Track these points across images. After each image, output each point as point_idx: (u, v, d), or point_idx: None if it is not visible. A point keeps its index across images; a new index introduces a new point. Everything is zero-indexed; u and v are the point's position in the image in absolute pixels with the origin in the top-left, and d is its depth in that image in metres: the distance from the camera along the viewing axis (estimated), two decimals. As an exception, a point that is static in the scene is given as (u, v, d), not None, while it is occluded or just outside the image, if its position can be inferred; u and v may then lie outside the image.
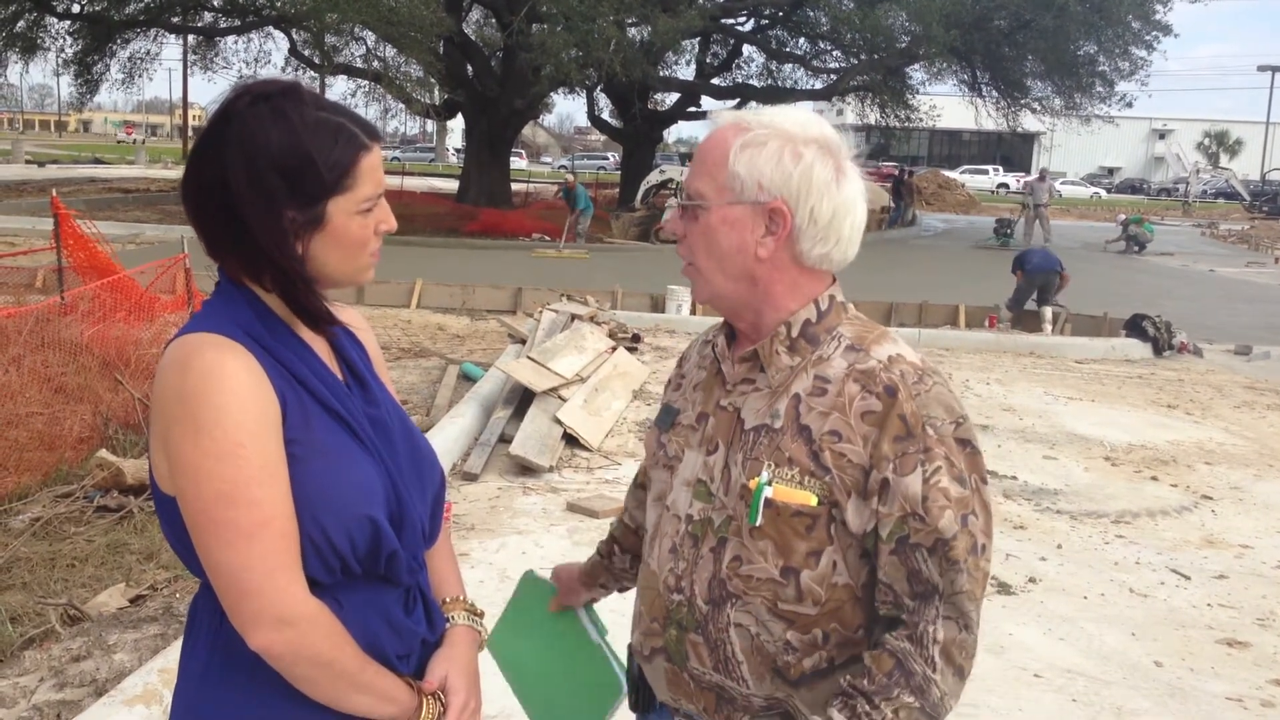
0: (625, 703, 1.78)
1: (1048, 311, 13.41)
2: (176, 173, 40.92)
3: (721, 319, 1.66)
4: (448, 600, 1.63)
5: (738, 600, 1.49)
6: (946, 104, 32.42)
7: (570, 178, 24.62)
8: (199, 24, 28.90)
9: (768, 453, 1.47)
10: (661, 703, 1.65)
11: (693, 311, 12.99)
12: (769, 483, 1.45)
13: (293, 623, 1.33)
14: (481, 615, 1.65)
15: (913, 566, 1.42)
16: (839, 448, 1.43)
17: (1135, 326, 12.29)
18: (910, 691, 1.40)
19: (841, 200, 1.49)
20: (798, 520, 1.45)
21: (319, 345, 1.49)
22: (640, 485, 1.91)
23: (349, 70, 26.10)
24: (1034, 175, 30.31)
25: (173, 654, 3.48)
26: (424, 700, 1.47)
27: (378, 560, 1.43)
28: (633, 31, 23.76)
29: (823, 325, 1.52)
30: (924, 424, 1.43)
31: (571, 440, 6.94)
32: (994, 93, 29.21)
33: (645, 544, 1.66)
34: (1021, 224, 27.43)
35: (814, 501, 1.44)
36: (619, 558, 1.91)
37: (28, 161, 44.57)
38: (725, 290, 1.52)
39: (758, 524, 1.46)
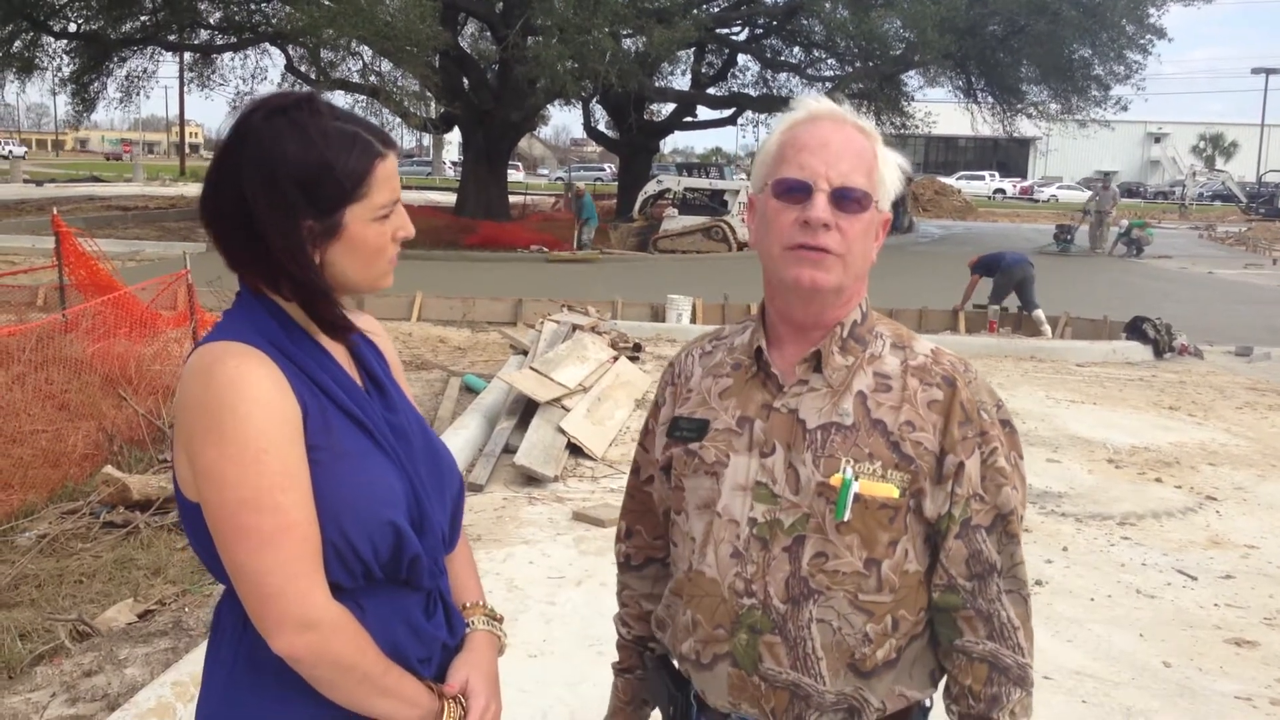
0: None
1: (1040, 314, 13.44)
2: (174, 190, 40.98)
3: (711, 330, 1.75)
4: (468, 605, 1.64)
5: (820, 596, 1.52)
6: (942, 110, 32.49)
7: (580, 185, 24.82)
8: (195, 41, 28.97)
9: (844, 449, 1.51)
10: (707, 711, 1.63)
11: (693, 320, 13.00)
12: (855, 478, 1.50)
13: (315, 626, 1.34)
14: (501, 620, 1.66)
15: (974, 548, 1.53)
16: (916, 436, 1.52)
17: (1136, 329, 12.31)
18: (1014, 684, 1.52)
19: None
20: (882, 513, 1.51)
21: (339, 352, 1.50)
22: (638, 566, 1.83)
23: (345, 85, 26.15)
24: (1098, 181, 30.29)
25: (185, 667, 3.49)
26: (445, 704, 1.48)
27: (399, 565, 1.44)
28: (628, 42, 23.83)
29: (865, 326, 1.60)
30: (978, 409, 1.54)
31: (576, 450, 6.95)
32: (989, 98, 29.29)
33: (691, 553, 1.62)
34: (1088, 231, 27.43)
35: (896, 494, 1.51)
36: (651, 657, 1.83)
37: (25, 180, 44.62)
38: (849, 286, 1.56)
39: (845, 519, 1.50)
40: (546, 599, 4.69)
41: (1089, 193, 57.80)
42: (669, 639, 1.68)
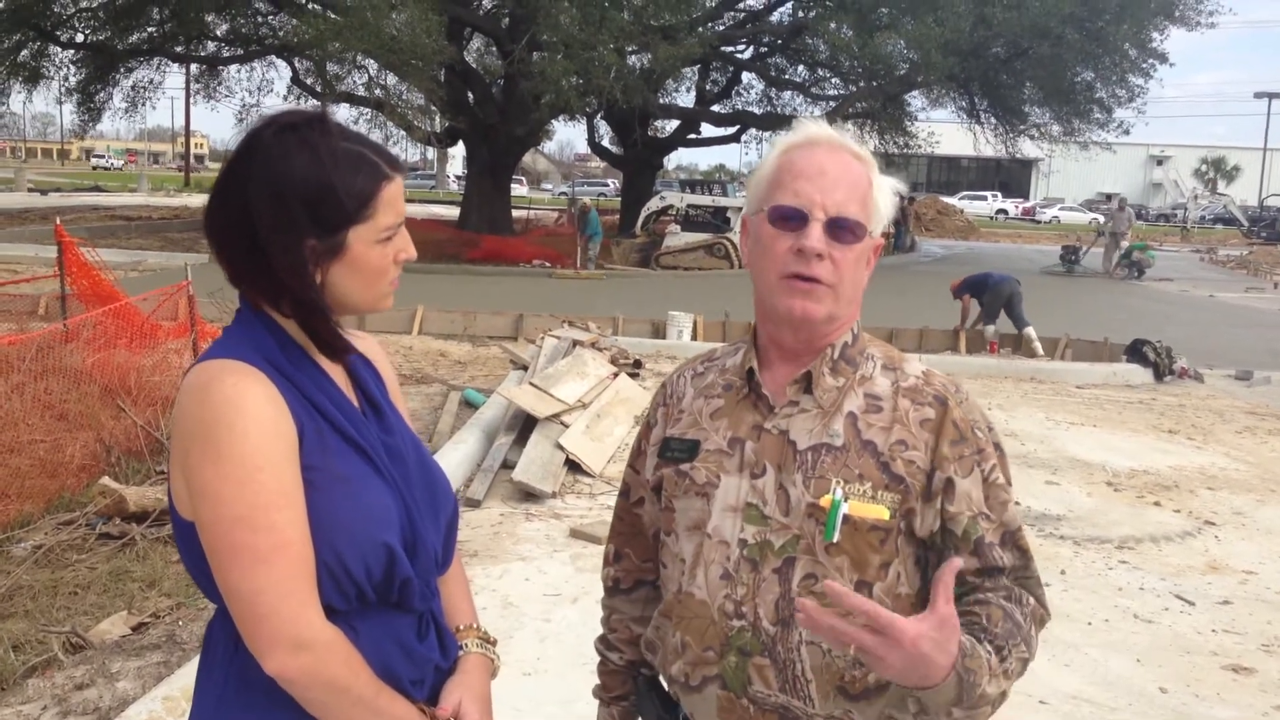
0: None
1: (1031, 331, 13.44)
2: (178, 201, 41.06)
3: (704, 351, 1.75)
4: (461, 628, 1.63)
5: None
6: (945, 130, 32.59)
7: (587, 201, 24.85)
8: (202, 53, 29.11)
9: (834, 470, 1.52)
10: None
11: (694, 337, 13.01)
12: (845, 499, 1.50)
13: (309, 647, 1.34)
14: (494, 643, 1.65)
15: (989, 562, 1.52)
16: (908, 455, 1.52)
17: (1136, 352, 12.31)
18: (1023, 642, 1.48)
19: None
20: (873, 534, 1.51)
21: (336, 373, 1.50)
22: (627, 590, 1.82)
23: (351, 98, 26.26)
24: (1114, 204, 30.15)
25: (177, 681, 3.47)
26: None
27: (392, 587, 1.44)
28: (633, 59, 23.92)
29: (856, 347, 1.61)
30: (972, 428, 1.55)
31: (574, 466, 6.94)
32: (992, 119, 29.39)
33: (681, 574, 1.61)
34: (1101, 253, 27.33)
35: (887, 515, 1.50)
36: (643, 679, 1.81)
37: (30, 189, 44.74)
38: (841, 313, 1.57)
39: (834, 540, 1.50)
40: (542, 616, 4.67)
41: (1090, 215, 57.94)
42: (658, 661, 1.68)
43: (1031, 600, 1.53)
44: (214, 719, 1.43)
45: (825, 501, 1.50)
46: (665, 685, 1.68)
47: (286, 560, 1.33)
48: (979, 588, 1.52)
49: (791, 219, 1.51)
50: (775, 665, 1.52)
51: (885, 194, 1.58)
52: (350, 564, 1.39)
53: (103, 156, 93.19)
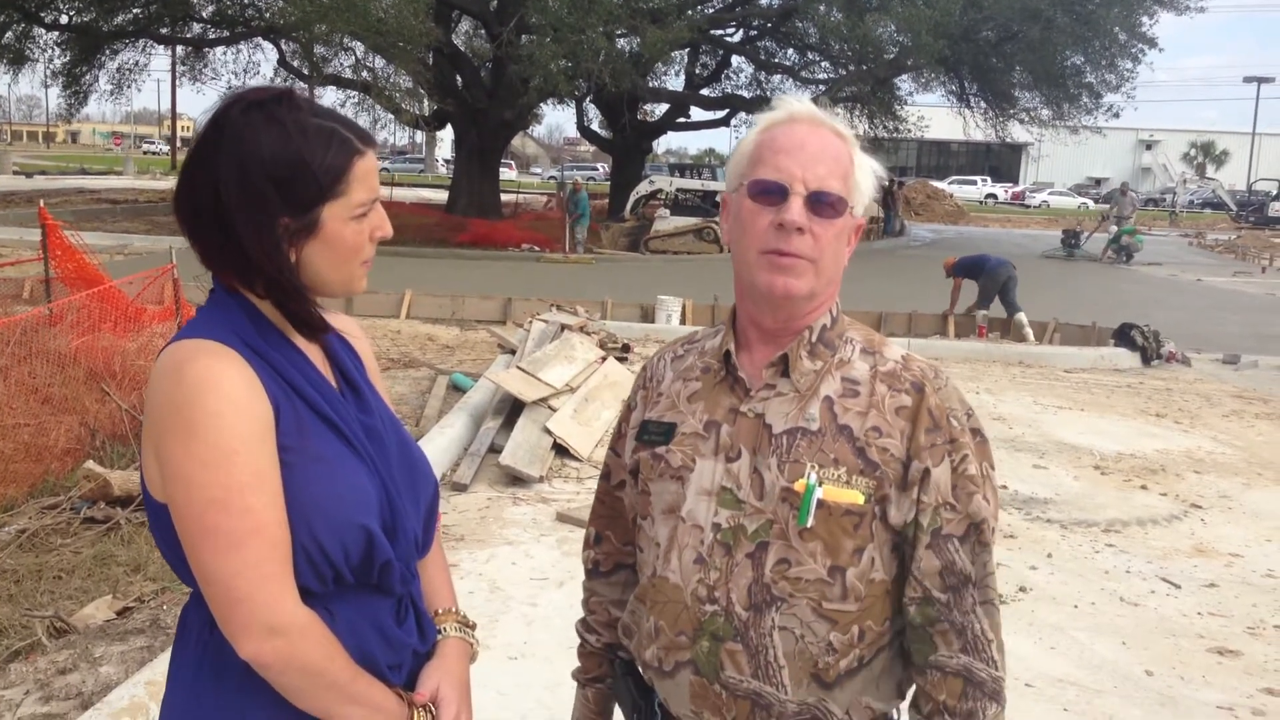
0: None
1: (1022, 317, 13.45)
2: (165, 184, 40.82)
3: (688, 331, 1.71)
4: (440, 611, 1.61)
5: (783, 603, 1.49)
6: (935, 115, 32.47)
7: (578, 179, 24.79)
8: (188, 35, 28.84)
9: (809, 454, 1.49)
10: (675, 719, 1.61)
11: (682, 321, 12.99)
12: (819, 483, 1.47)
13: (283, 632, 1.31)
14: (473, 627, 1.63)
15: (947, 559, 1.49)
16: (882, 443, 1.49)
17: (1124, 336, 12.34)
18: (989, 699, 1.48)
19: None
20: (847, 519, 1.48)
21: (313, 352, 1.48)
22: (606, 573, 1.80)
23: (338, 81, 26.10)
24: (1116, 188, 30.13)
25: (159, 666, 3.45)
26: (414, 712, 1.45)
27: (370, 569, 1.42)
28: (622, 43, 23.82)
29: (835, 330, 1.58)
30: (947, 416, 1.51)
31: (561, 450, 6.93)
32: (982, 103, 29.36)
33: (656, 558, 1.60)
34: (1107, 238, 27.33)
35: (861, 500, 1.48)
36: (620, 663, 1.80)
37: (15, 172, 44.44)
38: (821, 291, 1.54)
39: (808, 525, 1.47)
40: (528, 600, 4.66)
41: (1079, 199, 57.89)
42: (633, 646, 1.66)
43: (990, 637, 1.49)
44: (188, 703, 1.41)
45: (800, 486, 1.48)
46: (641, 670, 1.66)
47: (261, 543, 1.31)
48: (938, 622, 1.49)
49: (772, 192, 1.49)
50: (747, 651, 1.50)
51: (866, 173, 1.55)
52: (327, 546, 1.36)
53: (153, 142, 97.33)
